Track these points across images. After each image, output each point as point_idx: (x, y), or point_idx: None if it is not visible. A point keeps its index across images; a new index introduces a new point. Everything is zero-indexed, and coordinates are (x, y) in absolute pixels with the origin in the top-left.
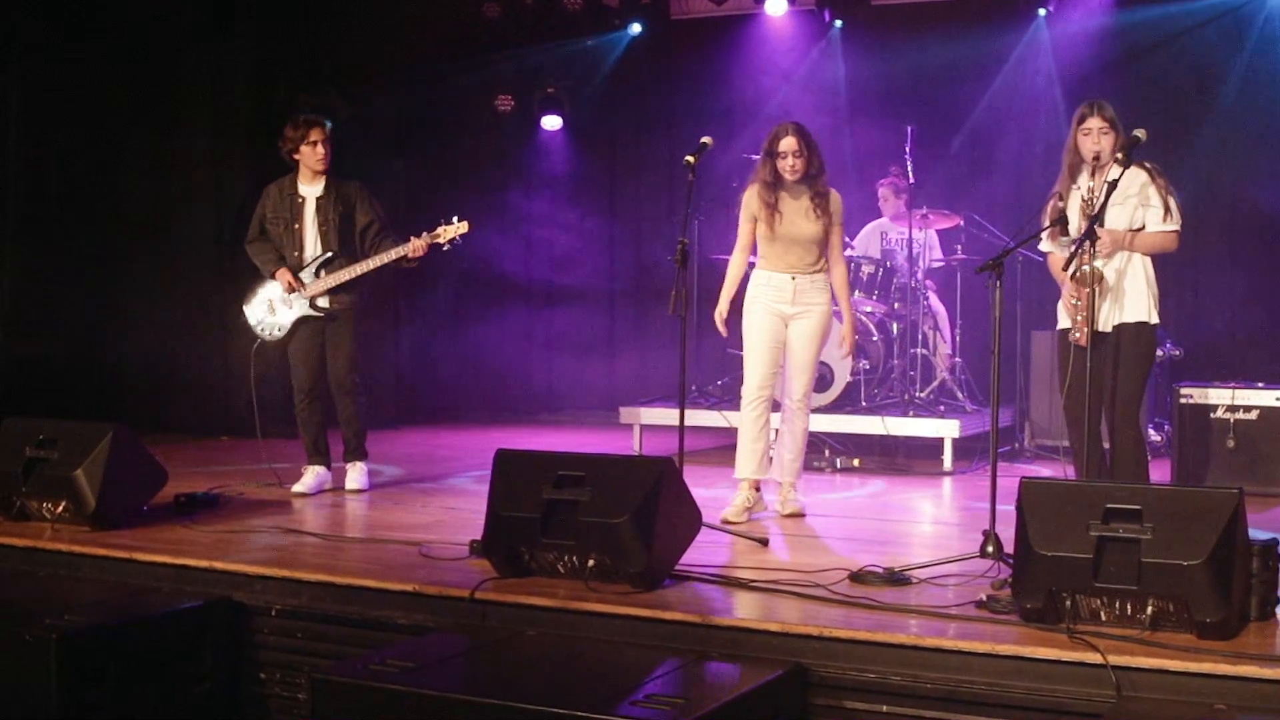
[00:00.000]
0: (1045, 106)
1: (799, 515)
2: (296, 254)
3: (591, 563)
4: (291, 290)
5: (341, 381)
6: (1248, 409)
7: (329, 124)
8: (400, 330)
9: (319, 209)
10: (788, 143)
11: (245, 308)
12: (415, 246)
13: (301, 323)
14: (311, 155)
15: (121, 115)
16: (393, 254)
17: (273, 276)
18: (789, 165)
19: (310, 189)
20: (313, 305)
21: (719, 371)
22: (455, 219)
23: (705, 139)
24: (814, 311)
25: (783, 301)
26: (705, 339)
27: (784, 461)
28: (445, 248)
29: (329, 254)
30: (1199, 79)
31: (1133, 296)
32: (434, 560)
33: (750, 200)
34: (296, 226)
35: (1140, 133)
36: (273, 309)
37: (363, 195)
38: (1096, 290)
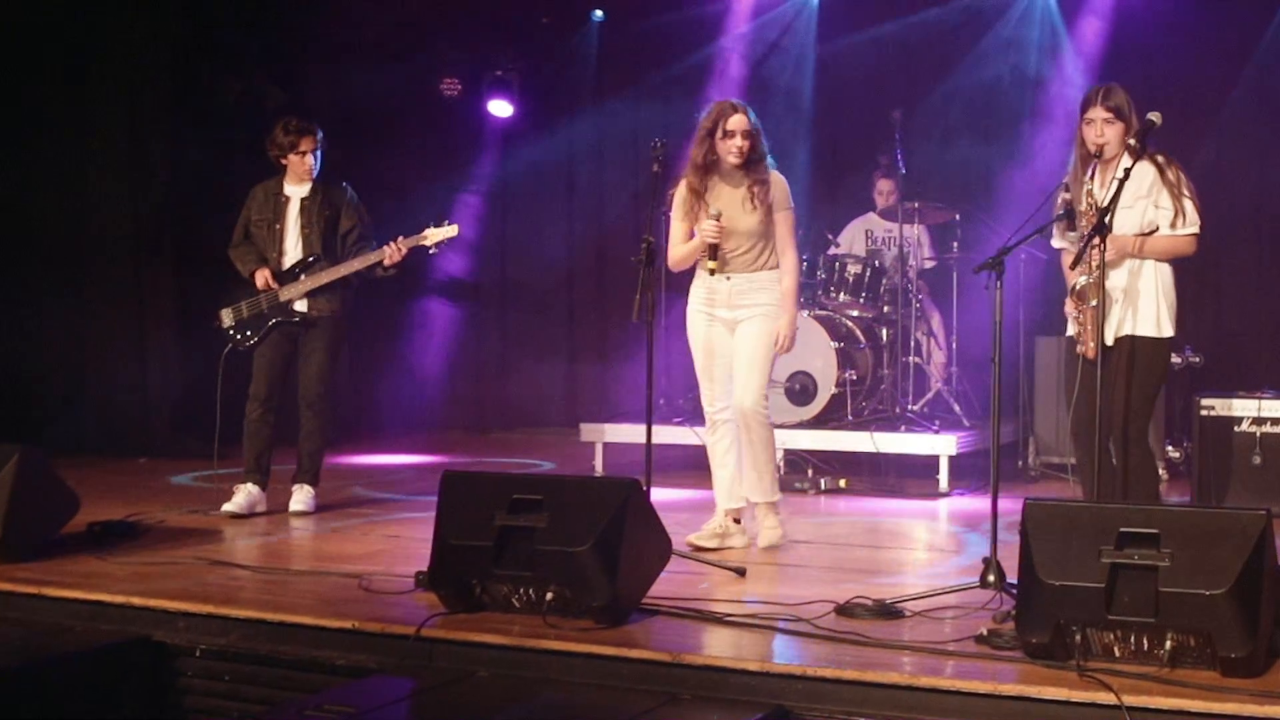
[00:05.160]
0: (1053, 84)
1: (773, 546)
2: (276, 255)
3: (550, 596)
4: (268, 288)
5: (308, 394)
6: (1275, 422)
7: (319, 134)
8: None
9: (303, 210)
10: (738, 121)
11: (223, 310)
12: (391, 253)
13: (275, 328)
14: (300, 165)
15: (27, 107)
16: (368, 259)
17: (251, 276)
18: (735, 147)
19: (296, 190)
20: (287, 309)
21: (690, 384)
22: (446, 221)
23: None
24: (758, 310)
25: (720, 306)
26: (674, 348)
27: (751, 480)
28: (432, 251)
29: (311, 257)
30: (1225, 58)
31: (1144, 307)
32: (376, 594)
33: (683, 192)
34: (278, 227)
35: (1155, 116)
36: (248, 313)
37: (350, 200)
38: (1101, 303)
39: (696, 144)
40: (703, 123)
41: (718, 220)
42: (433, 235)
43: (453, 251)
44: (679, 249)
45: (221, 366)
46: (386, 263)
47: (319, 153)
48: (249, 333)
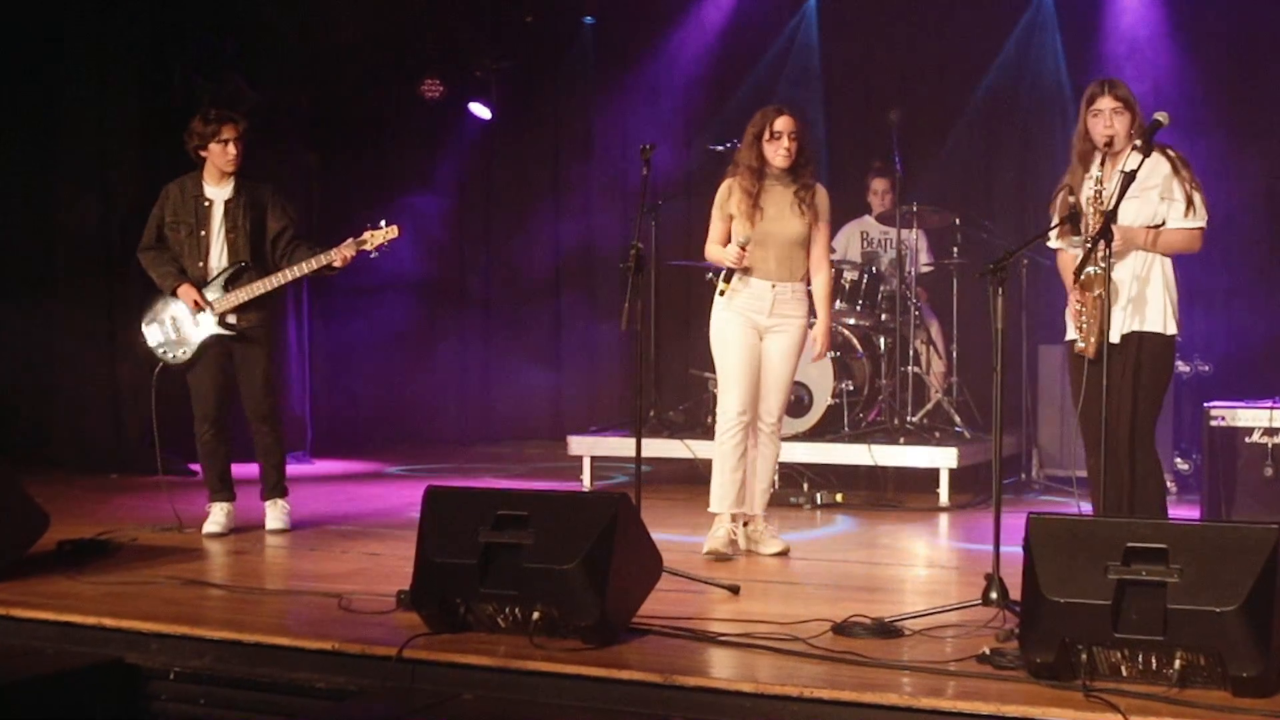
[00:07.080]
0: (1053, 86)
1: (784, 553)
2: (201, 264)
3: (537, 615)
4: (199, 309)
5: (258, 407)
6: None
7: (243, 122)
8: (312, 351)
9: (227, 214)
10: (785, 122)
11: (144, 328)
12: (344, 256)
13: (210, 344)
14: (221, 155)
15: None
16: (315, 263)
17: (173, 294)
18: (784, 149)
19: (218, 191)
20: (222, 324)
21: (681, 395)
22: (383, 223)
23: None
24: (791, 324)
25: (759, 312)
26: (664, 358)
27: (757, 493)
28: (373, 255)
29: (239, 264)
30: (1232, 61)
31: (1151, 304)
32: (355, 614)
33: (727, 192)
34: (203, 234)
35: (1162, 116)
36: (177, 329)
37: (275, 200)
38: (1107, 297)
39: (745, 146)
40: (749, 129)
41: (743, 249)
42: (373, 238)
43: (436, 259)
44: (716, 249)
45: (155, 386)
46: (338, 264)
47: (241, 144)
48: (183, 351)
